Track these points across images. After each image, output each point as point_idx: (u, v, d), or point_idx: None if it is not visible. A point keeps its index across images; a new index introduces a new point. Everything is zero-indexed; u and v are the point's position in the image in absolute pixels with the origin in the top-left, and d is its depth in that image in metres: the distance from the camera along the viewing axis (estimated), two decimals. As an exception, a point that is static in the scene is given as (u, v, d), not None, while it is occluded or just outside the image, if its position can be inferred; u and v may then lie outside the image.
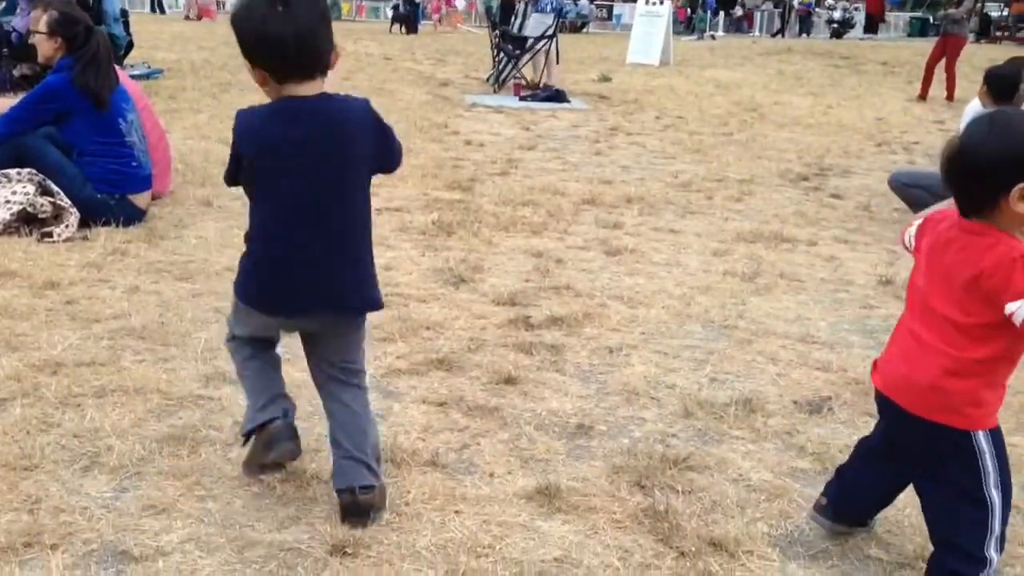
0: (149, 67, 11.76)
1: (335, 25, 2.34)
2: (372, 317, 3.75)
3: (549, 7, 12.58)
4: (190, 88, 10.57)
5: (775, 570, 2.27)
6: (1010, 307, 1.93)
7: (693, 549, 2.31)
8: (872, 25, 34.01)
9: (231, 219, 5.18)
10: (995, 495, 2.07)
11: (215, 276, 4.18)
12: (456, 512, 2.43)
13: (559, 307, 4.05)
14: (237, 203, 5.59)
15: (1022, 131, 1.97)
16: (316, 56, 2.18)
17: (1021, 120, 2.01)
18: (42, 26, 4.93)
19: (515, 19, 12.81)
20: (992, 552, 2.08)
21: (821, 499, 2.41)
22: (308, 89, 2.20)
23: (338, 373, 2.39)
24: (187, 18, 26.60)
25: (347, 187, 2.26)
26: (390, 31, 25.28)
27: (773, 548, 2.35)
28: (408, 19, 25.73)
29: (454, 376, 3.29)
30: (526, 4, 12.74)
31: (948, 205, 2.15)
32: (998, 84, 5.96)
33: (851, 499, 2.37)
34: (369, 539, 2.28)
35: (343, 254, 2.28)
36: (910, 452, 2.20)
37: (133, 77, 8.82)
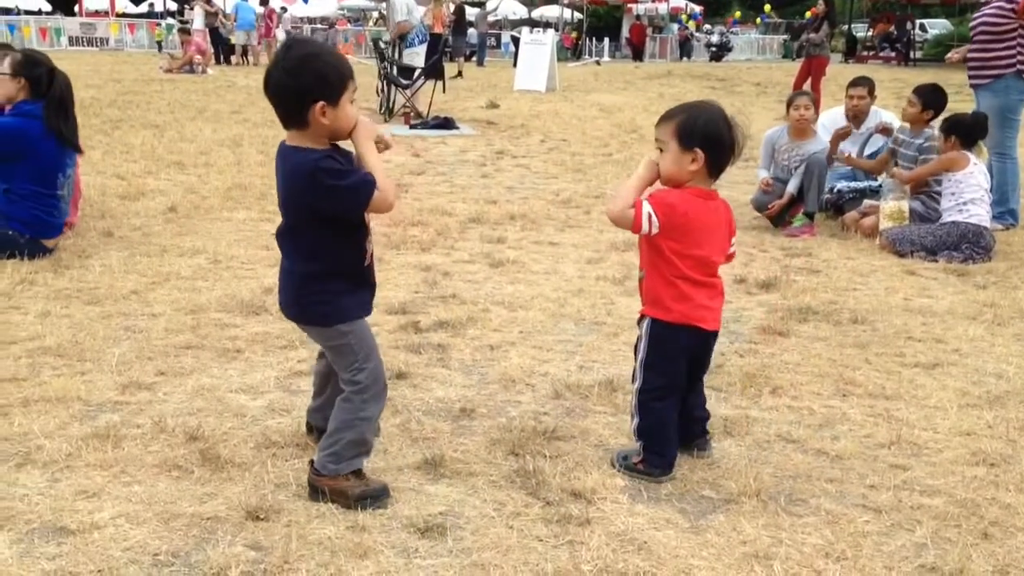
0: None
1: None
2: (274, 328, 4.11)
3: (416, 41, 13.40)
4: (81, 126, 10.62)
5: (624, 511, 2.71)
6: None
7: (556, 499, 2.75)
8: (638, 54, 35.89)
9: (132, 247, 5.45)
10: None
11: (122, 299, 4.45)
12: (355, 482, 2.81)
13: (445, 313, 4.46)
14: (137, 233, 5.87)
15: None
16: (281, 111, 2.52)
17: None
18: (6, 67, 5.11)
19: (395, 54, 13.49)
20: None
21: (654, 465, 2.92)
22: (289, 138, 2.58)
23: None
24: (169, 71, 19.86)
25: (289, 220, 2.65)
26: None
27: (623, 494, 2.80)
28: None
29: (351, 375, 3.66)
30: (395, 43, 13.49)
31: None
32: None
33: (674, 440, 2.95)
34: (280, 507, 2.64)
35: (287, 274, 2.72)
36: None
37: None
